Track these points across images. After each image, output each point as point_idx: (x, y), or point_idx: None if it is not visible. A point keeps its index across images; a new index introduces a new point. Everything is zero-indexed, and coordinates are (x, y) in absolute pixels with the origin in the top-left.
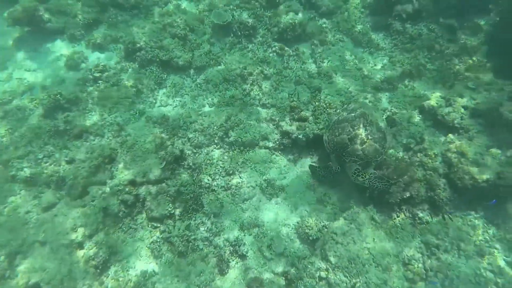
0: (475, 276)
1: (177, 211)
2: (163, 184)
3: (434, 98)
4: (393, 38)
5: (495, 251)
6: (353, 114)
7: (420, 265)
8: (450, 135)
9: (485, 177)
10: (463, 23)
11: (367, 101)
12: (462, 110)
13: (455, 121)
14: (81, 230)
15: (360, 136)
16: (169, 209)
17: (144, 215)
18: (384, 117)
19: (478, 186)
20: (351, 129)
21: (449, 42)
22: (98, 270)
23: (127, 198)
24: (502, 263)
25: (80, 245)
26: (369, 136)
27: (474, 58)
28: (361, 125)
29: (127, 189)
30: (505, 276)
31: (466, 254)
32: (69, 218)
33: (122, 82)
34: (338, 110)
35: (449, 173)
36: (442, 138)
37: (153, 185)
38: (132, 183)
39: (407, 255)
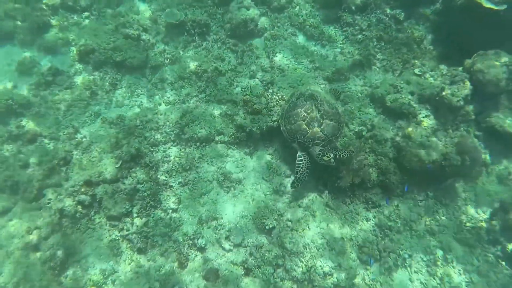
0: (426, 254)
1: (135, 209)
2: (119, 183)
3: (383, 86)
4: (343, 30)
5: (445, 229)
6: (302, 99)
7: (374, 246)
8: (399, 121)
9: (431, 158)
10: (410, 13)
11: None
12: (409, 96)
13: (403, 107)
14: (36, 232)
15: (315, 118)
16: (127, 207)
17: (101, 215)
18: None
19: (425, 167)
20: (305, 114)
21: (397, 32)
22: (56, 271)
23: (84, 199)
24: (452, 241)
25: (36, 248)
26: (324, 116)
27: (421, 46)
28: (313, 107)
29: (83, 190)
30: (454, 252)
31: (417, 234)
32: (24, 221)
33: (75, 84)
34: (287, 97)
35: (398, 157)
36: (392, 124)
37: (109, 184)
38: (88, 183)
39: (361, 238)
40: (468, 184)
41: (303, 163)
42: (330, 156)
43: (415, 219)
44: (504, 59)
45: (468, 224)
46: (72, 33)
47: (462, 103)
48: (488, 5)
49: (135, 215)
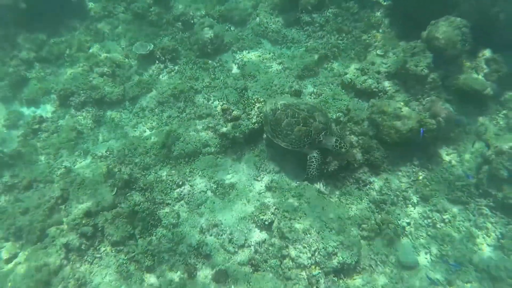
0: (423, 219)
1: (137, 231)
2: (118, 208)
3: (351, 72)
4: (305, 30)
5: (436, 193)
6: (279, 111)
7: (372, 221)
8: (372, 100)
9: (408, 127)
10: (365, 3)
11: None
12: (377, 75)
13: (372, 86)
14: (45, 269)
15: (306, 116)
16: (128, 230)
17: (106, 243)
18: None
19: (405, 137)
20: (295, 119)
21: (355, 21)
22: None
23: (86, 230)
24: (445, 202)
25: (48, 284)
26: (309, 111)
27: (380, 30)
28: (296, 110)
29: (84, 221)
30: (449, 212)
31: (411, 202)
32: (32, 261)
33: (61, 128)
34: (263, 118)
35: (377, 133)
36: (366, 105)
37: (108, 211)
38: (88, 214)
39: (359, 216)
40: (451, 147)
41: (314, 164)
42: (345, 145)
43: (406, 188)
44: (455, 22)
45: (457, 183)
46: (50, 82)
47: (426, 71)
48: None
49: (138, 236)
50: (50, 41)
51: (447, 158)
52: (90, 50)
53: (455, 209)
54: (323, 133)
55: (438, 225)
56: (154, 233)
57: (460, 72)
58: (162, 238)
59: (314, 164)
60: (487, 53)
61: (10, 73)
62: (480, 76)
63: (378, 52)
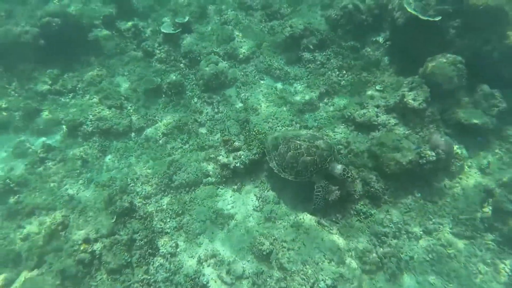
0: (428, 253)
1: (134, 259)
2: (116, 235)
3: (351, 106)
4: (306, 67)
5: (440, 226)
6: (281, 146)
7: (374, 255)
8: (372, 133)
9: (408, 159)
10: (364, 42)
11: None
12: (376, 109)
13: (372, 120)
14: None
15: (308, 146)
16: (125, 258)
17: (102, 271)
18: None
19: (404, 168)
20: (298, 151)
21: (355, 59)
22: None
23: (84, 257)
24: (449, 236)
25: None
26: (311, 140)
27: (379, 68)
28: (298, 141)
29: (82, 248)
30: (453, 247)
31: (414, 235)
32: (26, 286)
33: (67, 157)
34: (267, 154)
35: (377, 164)
36: (365, 137)
37: (107, 238)
38: (86, 241)
39: (360, 249)
40: (453, 181)
41: (321, 193)
42: (352, 175)
43: (409, 222)
44: (451, 58)
45: (461, 216)
46: (61, 113)
47: (424, 105)
48: (425, 18)
49: (135, 265)
50: (64, 76)
51: (450, 191)
52: (101, 85)
53: (460, 244)
54: (328, 160)
55: (443, 260)
56: (152, 262)
57: (459, 106)
58: (159, 267)
59: (321, 194)
60: (485, 88)
61: (23, 105)
62: (479, 111)
63: (377, 87)
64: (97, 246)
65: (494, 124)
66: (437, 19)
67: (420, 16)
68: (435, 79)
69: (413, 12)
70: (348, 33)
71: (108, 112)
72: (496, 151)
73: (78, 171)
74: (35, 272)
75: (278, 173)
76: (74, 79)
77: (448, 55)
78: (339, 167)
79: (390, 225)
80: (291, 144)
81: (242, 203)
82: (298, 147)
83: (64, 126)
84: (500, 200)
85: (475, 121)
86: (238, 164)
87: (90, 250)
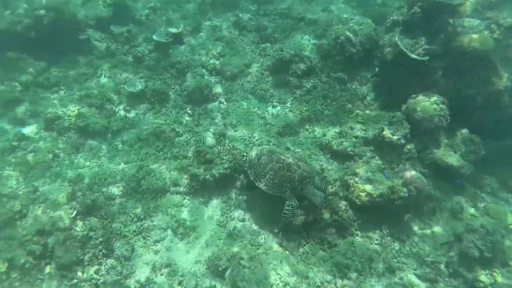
0: None
1: (86, 257)
2: (72, 231)
3: (330, 134)
4: (292, 92)
5: (404, 265)
6: (264, 157)
7: (332, 285)
8: (347, 162)
9: (378, 192)
10: (353, 76)
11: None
12: (354, 139)
13: (348, 149)
14: None
15: (291, 163)
16: (78, 254)
17: (53, 265)
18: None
19: (375, 201)
20: (280, 164)
21: (342, 91)
22: None
23: (35, 249)
24: (412, 277)
25: None
26: (295, 159)
27: (364, 102)
28: (281, 156)
29: (34, 239)
30: None
31: (377, 272)
32: None
33: (39, 148)
34: (248, 162)
35: (347, 194)
36: (340, 167)
37: (62, 232)
38: (41, 232)
39: (318, 278)
40: (423, 221)
41: (289, 212)
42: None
43: (373, 257)
44: (433, 98)
45: (427, 259)
46: (41, 106)
47: (403, 141)
48: (413, 56)
49: (86, 263)
50: (50, 70)
51: (419, 231)
52: (85, 83)
53: (422, 286)
54: (305, 181)
55: None
56: (104, 263)
57: (437, 147)
58: (111, 270)
59: (289, 213)
60: (464, 132)
61: (4, 92)
62: (457, 155)
63: (359, 119)
64: (51, 240)
65: (471, 170)
66: (425, 58)
67: (409, 54)
68: (416, 116)
69: (403, 49)
70: (338, 64)
71: (87, 110)
72: (471, 197)
73: (48, 164)
74: None
75: (253, 180)
76: (60, 74)
77: (431, 94)
78: (319, 194)
79: (353, 258)
80: (274, 157)
81: (207, 216)
82: (281, 161)
83: (40, 118)
84: (467, 245)
85: (452, 163)
86: (208, 177)
87: (43, 242)
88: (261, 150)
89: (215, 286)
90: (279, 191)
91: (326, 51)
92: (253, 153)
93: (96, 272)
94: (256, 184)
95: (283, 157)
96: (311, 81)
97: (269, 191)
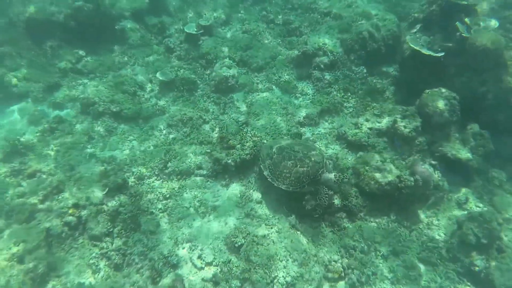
0: (389, 272)
1: (116, 230)
2: (103, 205)
3: (346, 125)
4: (314, 84)
5: (408, 250)
6: (276, 155)
7: (338, 264)
8: (360, 152)
9: (387, 180)
10: (374, 70)
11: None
12: (368, 131)
13: (362, 140)
14: (22, 245)
15: (301, 157)
16: (108, 227)
17: (85, 236)
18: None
19: (383, 189)
20: (292, 162)
21: (362, 84)
22: (36, 283)
23: (70, 220)
24: (414, 259)
25: (21, 260)
26: (304, 151)
27: (383, 96)
28: (292, 152)
29: (70, 212)
30: (416, 270)
31: (381, 254)
32: (12, 237)
33: (76, 131)
34: (261, 163)
35: (358, 181)
36: (353, 156)
37: (95, 206)
38: (76, 206)
39: (327, 257)
40: (430, 210)
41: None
42: (346, 176)
43: (379, 241)
44: (445, 93)
45: (429, 244)
46: (78, 91)
47: (414, 134)
48: (427, 52)
49: (115, 235)
50: (88, 58)
51: (425, 220)
52: (120, 71)
53: (423, 268)
54: (320, 172)
55: (403, 281)
56: (132, 236)
57: (447, 141)
58: (138, 242)
59: (326, 197)
60: (475, 127)
61: (45, 78)
62: (466, 148)
63: (375, 112)
64: (84, 213)
65: (479, 163)
66: (440, 54)
67: (422, 51)
68: (427, 110)
69: (415, 47)
70: (360, 58)
71: (121, 96)
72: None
73: (83, 145)
74: (24, 225)
75: (271, 181)
76: (96, 62)
77: (443, 90)
78: (331, 176)
79: (360, 240)
80: (285, 154)
81: (227, 197)
82: (292, 157)
83: (78, 103)
84: (466, 233)
85: (460, 156)
86: (229, 161)
87: (77, 214)
88: (270, 148)
89: (231, 260)
90: (297, 187)
91: (349, 45)
92: (264, 153)
93: (124, 244)
94: (275, 184)
95: (293, 152)
96: (333, 74)
97: (288, 189)
